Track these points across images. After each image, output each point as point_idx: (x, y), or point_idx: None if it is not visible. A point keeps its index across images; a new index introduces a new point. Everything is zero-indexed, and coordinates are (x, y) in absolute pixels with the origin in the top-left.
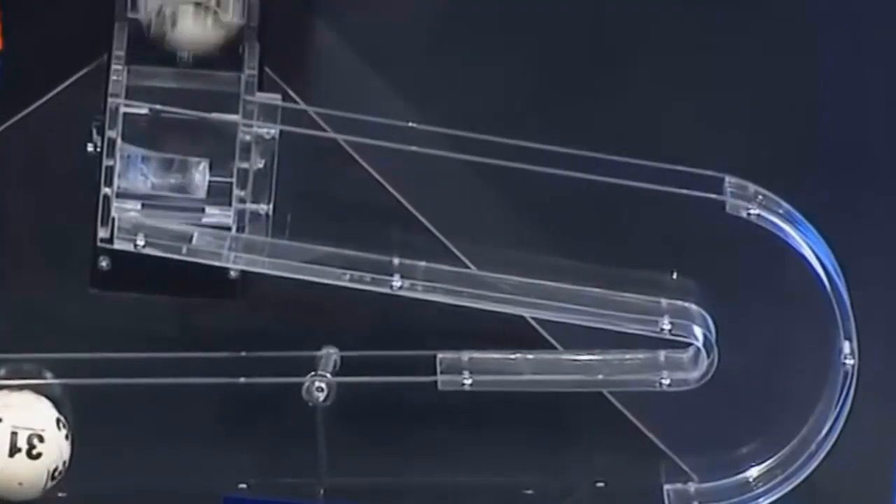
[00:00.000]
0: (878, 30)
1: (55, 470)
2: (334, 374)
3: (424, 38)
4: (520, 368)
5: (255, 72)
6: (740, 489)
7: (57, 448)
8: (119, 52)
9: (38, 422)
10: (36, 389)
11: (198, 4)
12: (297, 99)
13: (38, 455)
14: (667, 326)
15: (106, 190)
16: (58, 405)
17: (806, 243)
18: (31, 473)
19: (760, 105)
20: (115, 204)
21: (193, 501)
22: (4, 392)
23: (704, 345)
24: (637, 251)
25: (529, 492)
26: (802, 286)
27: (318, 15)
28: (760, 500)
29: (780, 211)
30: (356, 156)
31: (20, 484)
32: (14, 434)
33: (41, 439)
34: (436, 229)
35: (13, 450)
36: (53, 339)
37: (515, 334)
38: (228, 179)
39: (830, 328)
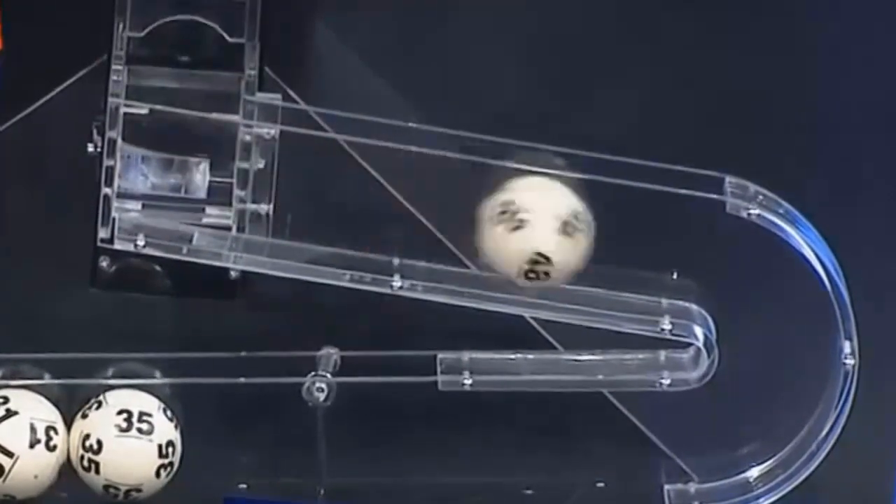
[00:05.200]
0: (878, 28)
1: (61, 465)
2: (334, 374)
3: (424, 38)
4: (520, 368)
5: (255, 72)
6: (741, 489)
7: (65, 442)
8: (119, 52)
9: (51, 414)
10: (35, 389)
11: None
12: (297, 99)
13: (54, 447)
14: (667, 326)
15: (106, 190)
16: (57, 405)
17: (806, 243)
18: (46, 466)
19: (760, 105)
20: (115, 204)
21: (193, 501)
22: (8, 389)
23: (705, 345)
24: (637, 251)
25: (529, 492)
26: (802, 286)
27: (318, 15)
28: (761, 500)
29: (780, 211)
30: (356, 156)
31: (35, 477)
32: (33, 425)
33: (56, 431)
34: (436, 229)
35: (33, 441)
36: (53, 339)
37: (515, 334)
38: (228, 179)
39: (830, 328)
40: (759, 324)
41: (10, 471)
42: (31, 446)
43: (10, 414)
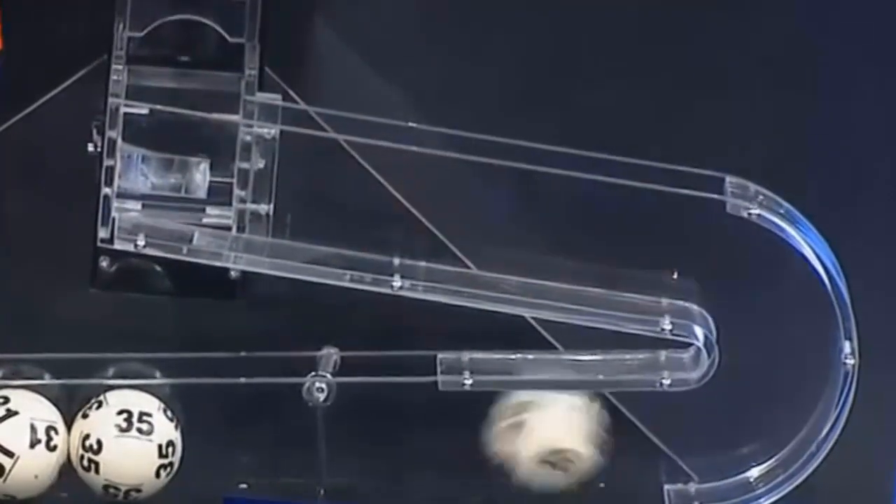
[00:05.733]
0: (878, 29)
1: (62, 465)
2: (334, 374)
3: (424, 38)
4: (520, 368)
5: (255, 72)
6: (741, 489)
7: (65, 442)
8: (119, 52)
9: (51, 414)
10: (35, 389)
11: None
12: (297, 99)
13: (55, 447)
14: (667, 326)
15: (106, 190)
16: (57, 405)
17: (806, 243)
18: (47, 466)
19: (760, 105)
20: (115, 204)
21: (193, 501)
22: (8, 389)
23: (705, 345)
24: (637, 251)
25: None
26: (802, 286)
27: (318, 15)
28: (761, 500)
29: (781, 211)
30: (356, 156)
31: (36, 477)
32: (33, 425)
33: (56, 431)
34: (436, 229)
35: (34, 442)
36: (53, 339)
37: (515, 334)
38: (229, 179)
39: (830, 328)
40: (759, 324)
41: (10, 471)
42: (32, 446)
43: (10, 414)
